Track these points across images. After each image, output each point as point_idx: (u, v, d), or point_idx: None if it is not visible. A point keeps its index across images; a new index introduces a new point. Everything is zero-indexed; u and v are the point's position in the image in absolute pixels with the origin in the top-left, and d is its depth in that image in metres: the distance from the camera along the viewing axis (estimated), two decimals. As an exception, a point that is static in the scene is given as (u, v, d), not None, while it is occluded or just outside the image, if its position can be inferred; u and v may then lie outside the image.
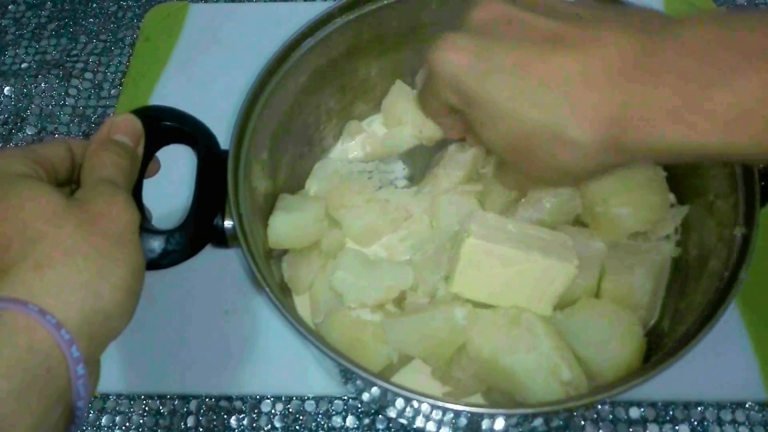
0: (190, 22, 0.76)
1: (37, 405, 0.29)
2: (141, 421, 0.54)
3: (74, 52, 0.76)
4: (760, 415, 0.52)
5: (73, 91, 0.73)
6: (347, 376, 0.46)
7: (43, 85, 0.73)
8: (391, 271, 0.50)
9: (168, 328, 0.57)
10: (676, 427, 0.52)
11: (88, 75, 0.74)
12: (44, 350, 0.29)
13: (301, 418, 0.54)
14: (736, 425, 0.52)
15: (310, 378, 0.54)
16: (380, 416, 0.53)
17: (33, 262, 0.31)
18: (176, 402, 0.55)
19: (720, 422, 0.52)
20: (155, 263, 0.38)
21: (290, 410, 0.54)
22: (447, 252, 0.50)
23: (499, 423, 0.44)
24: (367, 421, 0.53)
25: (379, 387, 0.39)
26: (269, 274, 0.43)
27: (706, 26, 0.32)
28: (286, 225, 0.49)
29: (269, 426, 0.54)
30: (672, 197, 0.51)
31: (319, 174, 0.57)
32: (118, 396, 0.55)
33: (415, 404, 0.40)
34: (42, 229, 0.32)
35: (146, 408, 0.55)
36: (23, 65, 0.76)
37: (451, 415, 0.42)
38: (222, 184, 0.43)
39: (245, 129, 0.46)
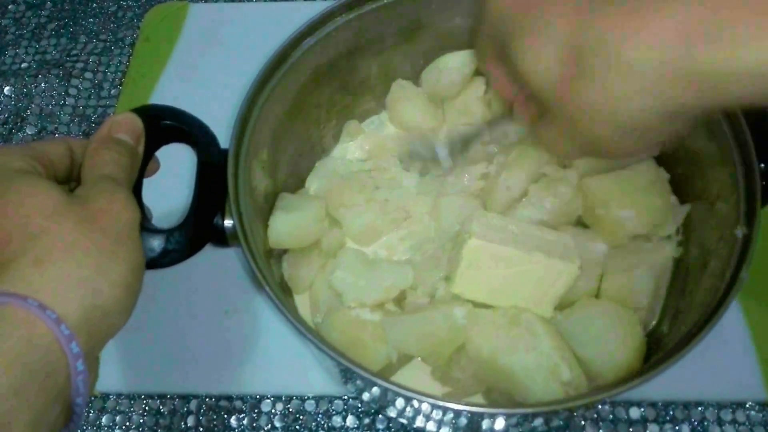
0: (190, 21, 0.76)
1: (36, 400, 0.29)
2: (141, 420, 0.54)
3: (74, 51, 0.76)
4: (760, 415, 0.52)
5: (73, 91, 0.73)
6: (347, 375, 0.46)
7: (43, 84, 0.73)
8: (390, 271, 0.50)
9: (168, 327, 0.57)
10: (676, 427, 0.52)
11: (88, 75, 0.74)
12: (44, 345, 0.29)
13: (301, 417, 0.54)
14: (736, 425, 0.52)
15: (310, 378, 0.54)
16: (380, 416, 0.53)
17: (33, 257, 0.31)
18: (176, 402, 0.55)
19: (720, 422, 0.52)
20: (155, 262, 0.38)
21: (290, 410, 0.54)
22: (447, 252, 0.50)
23: (500, 423, 0.44)
24: (367, 420, 0.53)
25: (380, 386, 0.39)
26: (269, 273, 0.43)
27: None
28: (286, 225, 0.49)
29: (269, 426, 0.54)
30: (674, 199, 0.51)
31: (319, 172, 0.57)
32: (118, 396, 0.55)
33: (415, 404, 0.40)
34: (42, 224, 0.32)
35: (146, 408, 0.55)
36: (23, 65, 0.76)
37: (451, 414, 0.42)
38: (222, 184, 0.43)
39: (245, 128, 0.46)
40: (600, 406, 0.53)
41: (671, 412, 0.53)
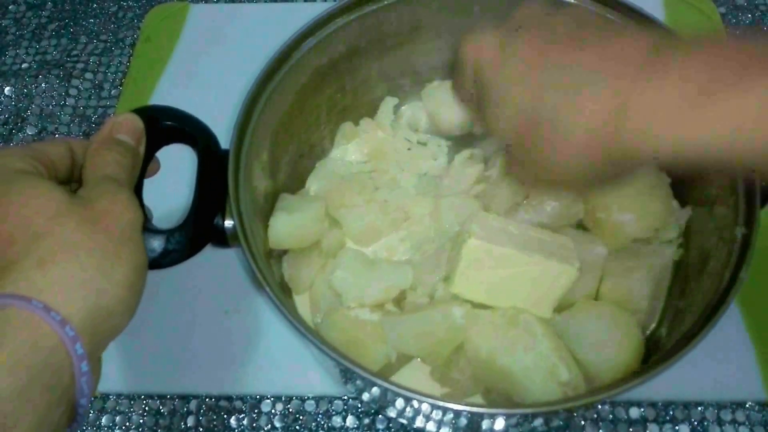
0: (191, 22, 0.76)
1: (41, 402, 0.29)
2: (141, 421, 0.54)
3: (75, 52, 0.76)
4: (760, 415, 0.52)
5: (73, 92, 0.73)
6: (347, 375, 0.46)
7: (43, 85, 0.74)
8: (390, 271, 0.50)
9: (168, 328, 0.57)
10: (676, 427, 0.52)
11: (89, 75, 0.74)
12: (48, 347, 0.29)
13: (301, 418, 0.54)
14: (736, 425, 0.52)
15: (310, 378, 0.54)
16: (380, 416, 0.53)
17: (36, 258, 0.31)
18: (176, 402, 0.55)
19: (720, 422, 0.52)
20: (155, 263, 0.38)
21: (290, 410, 0.54)
22: (447, 252, 0.50)
23: (500, 423, 0.44)
24: (367, 421, 0.53)
25: (380, 387, 0.39)
26: (269, 273, 0.43)
27: (713, 41, 0.33)
28: (287, 226, 0.49)
29: (269, 426, 0.54)
30: (675, 203, 0.51)
31: (320, 173, 0.57)
32: (118, 396, 0.55)
33: (415, 404, 0.40)
34: (45, 225, 0.32)
35: (146, 408, 0.55)
36: (24, 65, 0.76)
37: (451, 415, 0.42)
38: (222, 184, 0.43)
39: (246, 129, 0.46)
40: (600, 406, 0.53)
41: (671, 412, 0.53)
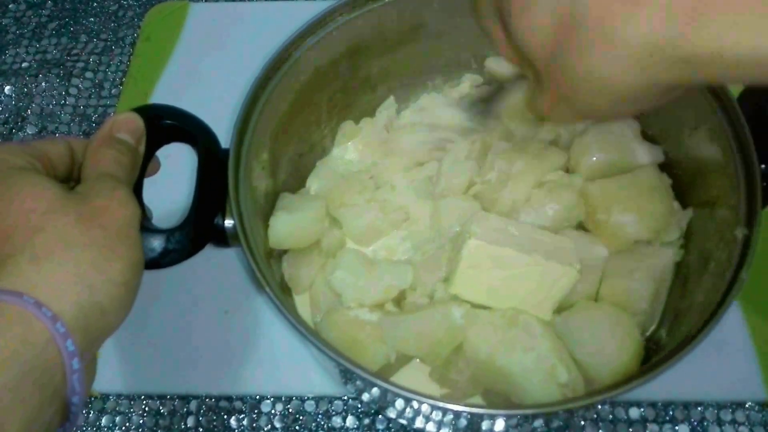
0: (191, 21, 0.76)
1: (32, 398, 0.28)
2: (141, 421, 0.54)
3: (75, 51, 0.76)
4: (760, 415, 0.52)
5: (73, 91, 0.73)
6: (347, 376, 0.46)
7: (43, 84, 0.73)
8: (390, 271, 0.50)
9: (168, 328, 0.57)
10: (676, 427, 0.52)
11: (89, 74, 0.74)
12: (40, 343, 0.29)
13: (301, 418, 0.54)
14: (736, 425, 0.52)
15: (310, 378, 0.54)
16: (380, 416, 0.53)
17: (30, 253, 0.31)
18: (176, 402, 0.55)
19: (720, 422, 0.52)
20: (155, 262, 0.38)
21: (290, 410, 0.54)
22: (447, 253, 0.50)
23: (500, 424, 0.43)
24: (367, 421, 0.53)
25: (379, 387, 0.38)
26: (269, 273, 0.43)
27: None
28: (287, 226, 0.49)
29: (269, 426, 0.53)
30: (676, 204, 0.51)
31: (320, 172, 0.57)
32: (118, 396, 0.55)
33: (415, 405, 0.40)
34: (41, 221, 0.32)
35: (146, 408, 0.55)
36: (24, 64, 0.75)
37: (451, 415, 0.41)
38: (222, 183, 0.43)
39: (246, 128, 0.46)
40: (600, 407, 0.53)
41: (671, 412, 0.53)
